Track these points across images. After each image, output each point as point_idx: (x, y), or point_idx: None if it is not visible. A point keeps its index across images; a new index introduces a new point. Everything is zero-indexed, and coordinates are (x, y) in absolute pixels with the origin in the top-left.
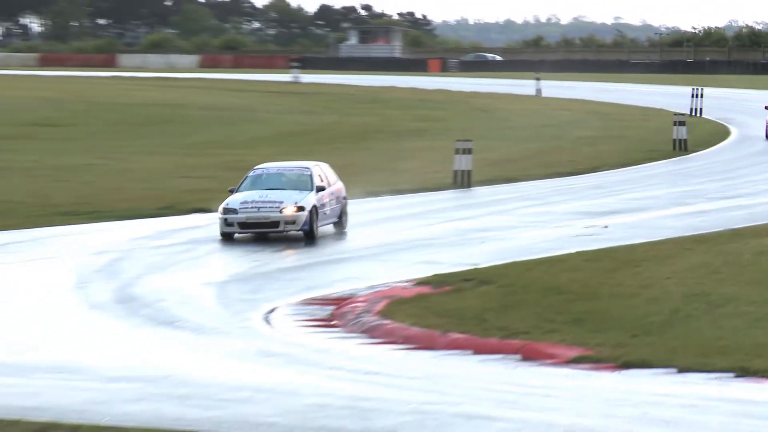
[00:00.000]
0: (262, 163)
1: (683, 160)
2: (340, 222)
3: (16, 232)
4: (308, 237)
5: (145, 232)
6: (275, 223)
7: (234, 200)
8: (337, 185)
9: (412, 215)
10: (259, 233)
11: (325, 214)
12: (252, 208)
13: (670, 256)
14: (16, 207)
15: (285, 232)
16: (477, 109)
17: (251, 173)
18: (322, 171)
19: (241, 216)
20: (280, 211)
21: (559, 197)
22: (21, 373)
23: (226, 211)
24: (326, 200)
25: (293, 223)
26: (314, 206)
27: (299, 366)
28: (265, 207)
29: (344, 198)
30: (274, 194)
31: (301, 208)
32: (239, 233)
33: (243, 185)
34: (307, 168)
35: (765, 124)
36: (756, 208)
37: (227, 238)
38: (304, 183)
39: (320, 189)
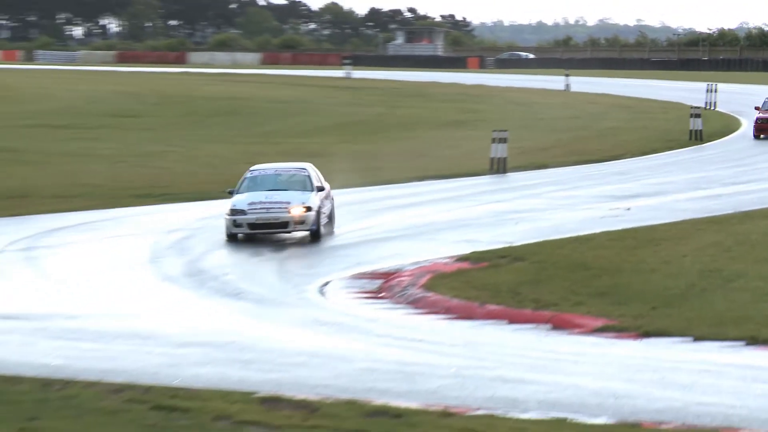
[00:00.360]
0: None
1: (699, 149)
2: (330, 221)
3: (97, 212)
4: (315, 237)
5: (211, 213)
6: (285, 224)
7: (241, 201)
8: (326, 185)
9: (452, 198)
10: (268, 234)
11: (323, 213)
12: (261, 209)
13: (687, 235)
14: (98, 190)
15: (292, 232)
16: (512, 103)
17: (248, 174)
18: (315, 171)
19: (250, 217)
20: (289, 212)
21: (586, 182)
22: (100, 339)
23: (234, 212)
24: (323, 199)
25: (302, 223)
26: (319, 206)
27: (351, 334)
28: (274, 208)
29: (332, 198)
30: (279, 195)
31: (308, 208)
32: (247, 234)
33: (242, 186)
34: (303, 168)
35: (753, 124)
36: (765, 193)
37: (233, 238)
38: (303, 183)
39: (320, 189)
